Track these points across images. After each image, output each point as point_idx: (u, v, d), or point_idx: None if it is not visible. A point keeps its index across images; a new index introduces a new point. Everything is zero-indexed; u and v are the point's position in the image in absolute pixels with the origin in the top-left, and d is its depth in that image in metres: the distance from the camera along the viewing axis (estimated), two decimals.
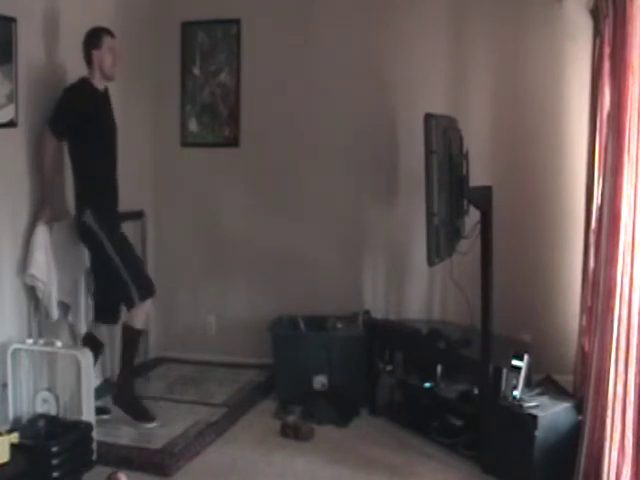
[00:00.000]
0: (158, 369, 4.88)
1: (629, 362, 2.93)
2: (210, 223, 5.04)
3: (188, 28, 5.00)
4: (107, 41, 3.84)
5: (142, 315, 3.96)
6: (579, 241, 3.94)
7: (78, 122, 3.75)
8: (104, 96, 3.95)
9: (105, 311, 4.08)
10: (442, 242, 3.58)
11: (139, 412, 3.92)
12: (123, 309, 4.04)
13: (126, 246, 4.00)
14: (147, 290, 3.95)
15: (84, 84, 3.83)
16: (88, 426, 3.39)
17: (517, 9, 4.43)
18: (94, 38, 3.83)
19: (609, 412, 2.96)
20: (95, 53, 3.82)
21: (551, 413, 3.35)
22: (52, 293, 3.76)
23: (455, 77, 4.58)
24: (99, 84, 3.88)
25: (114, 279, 3.85)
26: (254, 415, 4.24)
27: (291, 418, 4.05)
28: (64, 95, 3.78)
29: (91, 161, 3.84)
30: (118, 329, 4.10)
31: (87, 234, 3.84)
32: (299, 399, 4.24)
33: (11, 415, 3.47)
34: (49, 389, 3.49)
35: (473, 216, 3.78)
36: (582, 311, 3.75)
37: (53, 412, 3.45)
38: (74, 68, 3.92)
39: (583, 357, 3.63)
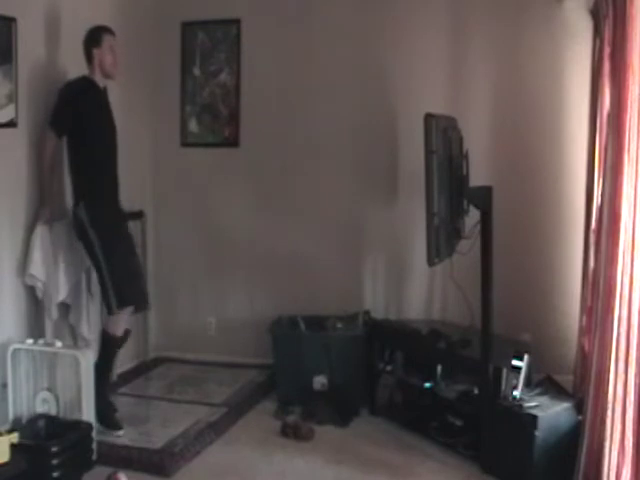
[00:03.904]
0: (158, 369, 4.87)
1: (629, 362, 2.93)
2: (210, 223, 5.03)
3: (188, 28, 5.00)
4: (108, 39, 3.85)
5: (121, 323, 3.89)
6: (579, 241, 3.94)
7: (78, 117, 3.74)
8: (104, 94, 3.94)
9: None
10: (442, 242, 3.58)
11: (109, 421, 3.77)
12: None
13: (120, 249, 3.88)
14: (127, 299, 3.84)
15: (85, 80, 3.83)
16: (88, 426, 3.39)
17: (517, 9, 4.43)
18: (95, 36, 3.83)
19: (609, 412, 2.95)
20: (96, 51, 3.82)
21: (551, 413, 3.35)
22: (52, 293, 3.76)
23: (455, 77, 4.58)
24: (100, 82, 3.88)
25: (99, 280, 3.83)
26: (254, 415, 4.24)
27: (291, 418, 4.04)
28: (64, 90, 3.78)
29: (89, 157, 3.83)
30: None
31: (80, 229, 3.80)
32: (299, 399, 4.24)
33: (11, 415, 3.47)
34: (49, 389, 3.49)
35: (473, 216, 3.78)
36: (582, 311, 3.75)
37: (53, 412, 3.45)
38: (74, 68, 3.91)
39: (583, 357, 3.64)
